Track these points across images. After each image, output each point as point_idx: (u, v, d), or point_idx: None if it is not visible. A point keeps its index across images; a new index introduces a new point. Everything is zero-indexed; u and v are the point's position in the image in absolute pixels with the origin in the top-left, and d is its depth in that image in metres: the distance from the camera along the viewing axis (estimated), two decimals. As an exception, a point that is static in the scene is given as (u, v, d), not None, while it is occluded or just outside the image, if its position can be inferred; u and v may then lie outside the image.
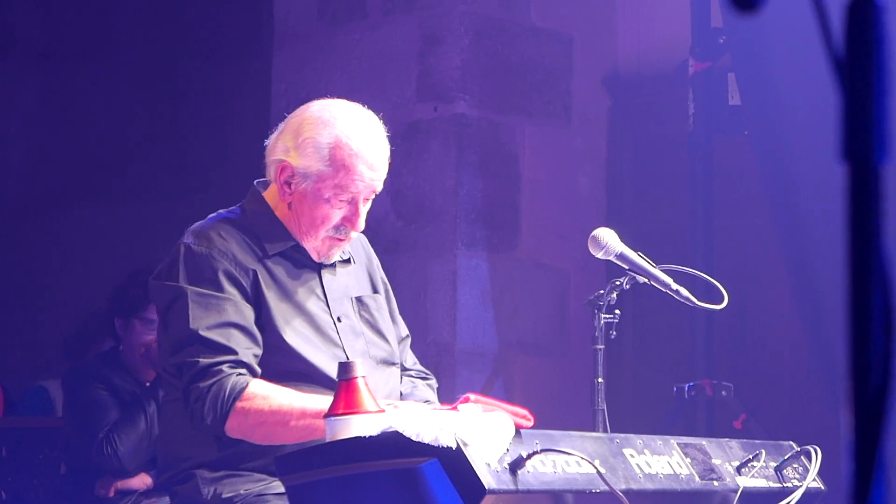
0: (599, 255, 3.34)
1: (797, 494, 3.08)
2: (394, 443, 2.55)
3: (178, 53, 7.05)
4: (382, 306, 3.34)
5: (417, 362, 3.45)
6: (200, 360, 2.96)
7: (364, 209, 3.15)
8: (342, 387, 2.68)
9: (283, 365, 3.04)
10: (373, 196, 3.17)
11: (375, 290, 3.35)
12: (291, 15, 5.99)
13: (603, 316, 3.34)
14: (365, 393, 2.67)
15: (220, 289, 3.02)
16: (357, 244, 3.36)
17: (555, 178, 5.80)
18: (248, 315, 3.03)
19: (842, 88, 1.18)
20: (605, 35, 6.01)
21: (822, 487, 3.20)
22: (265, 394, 2.92)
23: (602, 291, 3.35)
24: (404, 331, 3.41)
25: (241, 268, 3.07)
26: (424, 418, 2.59)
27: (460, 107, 5.51)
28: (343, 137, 3.10)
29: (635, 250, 3.36)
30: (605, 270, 5.23)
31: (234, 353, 2.97)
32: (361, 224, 3.15)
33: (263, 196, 3.22)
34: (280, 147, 3.17)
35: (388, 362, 3.26)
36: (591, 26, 5.96)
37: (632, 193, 5.99)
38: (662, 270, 3.34)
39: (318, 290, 3.18)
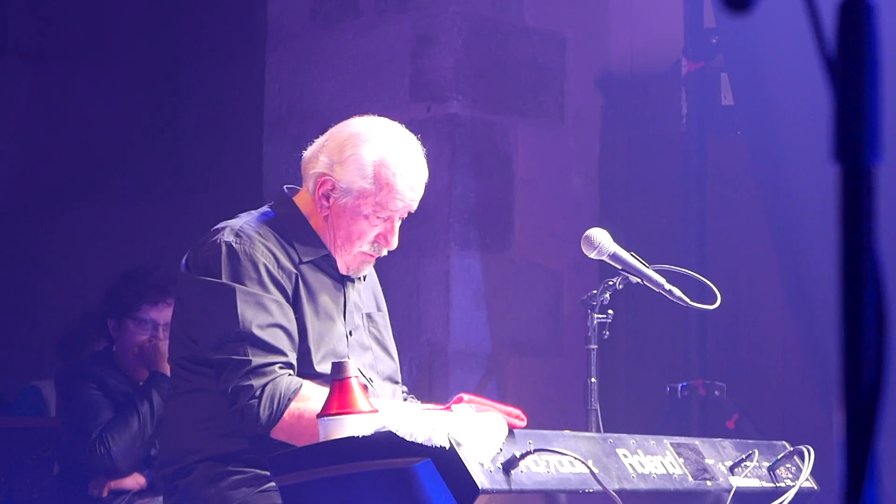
0: (592, 255, 3.35)
1: (790, 494, 3.08)
2: (387, 443, 2.55)
3: (172, 53, 7.05)
4: (387, 325, 3.39)
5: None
6: (253, 358, 2.96)
7: (398, 228, 3.19)
8: (335, 387, 2.68)
9: (305, 372, 3.06)
10: (407, 215, 3.21)
11: (379, 308, 3.40)
12: (285, 15, 5.99)
13: (596, 316, 3.34)
14: (358, 393, 2.68)
15: (266, 289, 3.04)
16: None
17: (548, 178, 5.81)
18: (291, 318, 3.05)
19: (834, 88, 1.19)
20: (598, 35, 6.01)
21: (815, 487, 3.20)
22: (321, 397, 2.90)
23: (595, 291, 3.36)
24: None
25: (283, 269, 3.09)
26: (418, 418, 2.59)
27: (453, 107, 5.51)
28: (388, 157, 3.15)
29: (628, 250, 3.36)
30: (598, 270, 5.24)
31: (284, 354, 2.99)
32: (395, 242, 3.20)
33: (295, 201, 3.23)
34: (322, 161, 3.18)
35: (393, 380, 3.30)
36: (584, 26, 5.96)
37: (625, 193, 5.99)
38: (655, 270, 3.35)
39: (340, 302, 3.21)
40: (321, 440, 2.67)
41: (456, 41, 5.56)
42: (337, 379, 2.68)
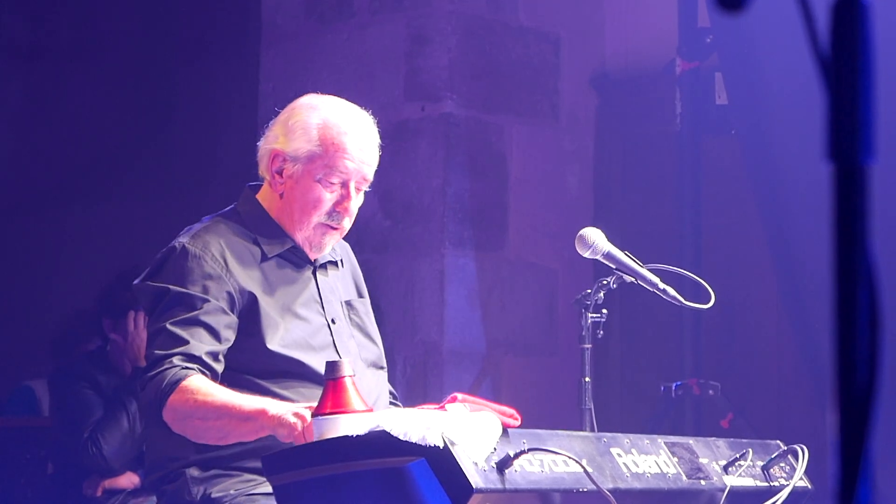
0: (587, 255, 3.35)
1: (784, 493, 3.08)
2: (381, 442, 2.55)
3: (166, 53, 7.04)
4: (369, 311, 3.37)
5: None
6: (156, 351, 2.97)
7: (356, 199, 3.16)
8: (329, 386, 2.68)
9: (281, 366, 3.05)
10: (364, 186, 3.18)
11: (360, 295, 3.38)
12: (279, 14, 5.98)
13: (590, 315, 3.34)
14: (352, 392, 2.67)
15: (205, 291, 3.03)
16: (344, 251, 3.38)
17: (542, 177, 5.81)
18: (222, 320, 3.03)
19: (828, 88, 1.19)
20: (592, 35, 6.02)
21: (809, 486, 3.20)
22: (197, 388, 2.89)
23: (589, 291, 3.36)
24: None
25: (231, 273, 3.08)
26: (412, 418, 2.59)
27: (448, 106, 5.51)
28: (332, 118, 3.15)
29: (622, 249, 3.36)
30: (592, 270, 5.24)
31: (187, 343, 2.96)
32: (354, 209, 3.16)
33: (256, 198, 3.24)
34: (270, 137, 3.21)
35: (377, 366, 3.29)
36: (579, 26, 5.96)
37: (619, 193, 5.99)
38: (650, 270, 3.35)
39: (314, 292, 3.20)
40: (315, 440, 2.67)
41: (450, 40, 5.56)
42: (331, 378, 2.68)
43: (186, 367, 2.94)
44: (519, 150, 5.74)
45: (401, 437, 2.52)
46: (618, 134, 6.01)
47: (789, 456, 3.20)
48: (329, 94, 3.30)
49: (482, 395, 3.60)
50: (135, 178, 6.98)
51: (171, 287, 3.03)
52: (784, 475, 3.17)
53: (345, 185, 3.13)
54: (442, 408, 2.85)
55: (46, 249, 7.06)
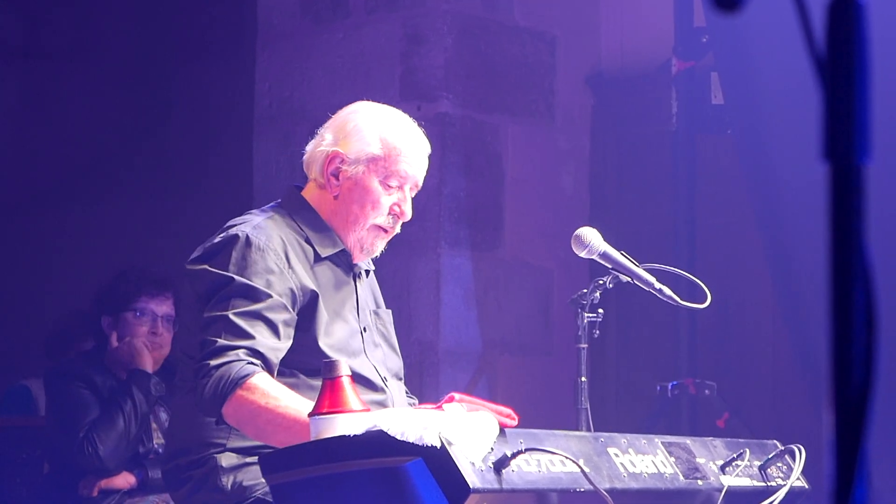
0: (583, 255, 3.35)
1: (781, 493, 3.09)
2: (378, 442, 2.55)
3: (162, 52, 7.04)
4: (391, 322, 3.41)
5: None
6: (219, 340, 2.95)
7: (410, 199, 3.22)
8: (327, 385, 2.68)
9: (317, 366, 3.05)
10: (416, 191, 3.24)
11: (379, 307, 3.42)
12: (275, 14, 5.98)
13: (586, 315, 3.34)
14: (350, 392, 2.67)
15: (268, 285, 3.03)
16: (369, 261, 3.39)
17: (538, 176, 5.81)
18: (282, 315, 3.03)
19: (823, 88, 1.19)
20: (588, 34, 6.02)
21: (806, 486, 3.21)
22: (266, 389, 2.89)
23: (585, 290, 3.36)
24: None
25: (293, 269, 3.09)
26: (409, 417, 2.59)
27: (444, 106, 5.51)
28: (391, 123, 3.22)
29: (618, 249, 3.36)
30: (588, 269, 5.24)
31: (253, 338, 2.96)
32: (409, 212, 3.22)
33: (305, 198, 3.24)
34: (326, 140, 3.22)
35: (398, 377, 3.32)
36: (575, 25, 5.96)
37: (615, 192, 5.99)
38: (646, 269, 3.35)
39: (354, 298, 3.23)
40: (312, 439, 2.67)
41: (446, 40, 5.56)
42: (328, 378, 2.68)
43: (251, 363, 2.93)
44: (515, 149, 5.74)
45: (398, 437, 2.52)
46: (614, 133, 6.01)
47: (786, 456, 3.20)
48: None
49: (478, 394, 3.60)
50: (132, 178, 6.98)
51: (235, 277, 3.01)
52: (781, 475, 3.18)
53: (401, 188, 3.20)
54: (439, 407, 2.85)
55: (44, 249, 7.06)
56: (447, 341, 5.47)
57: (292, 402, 2.89)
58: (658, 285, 3.33)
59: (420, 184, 3.25)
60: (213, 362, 2.92)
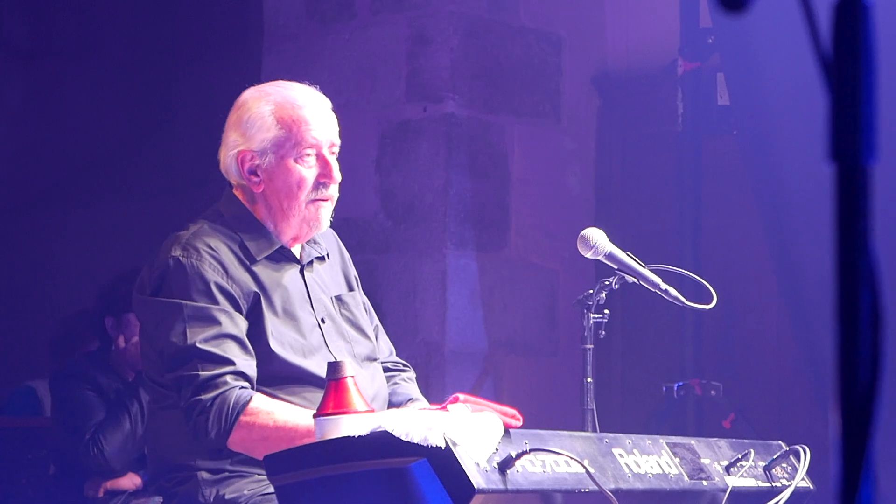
0: (588, 255, 3.34)
1: (786, 494, 3.08)
2: (383, 442, 2.55)
3: (167, 53, 7.04)
4: (359, 302, 3.35)
5: (393, 351, 3.45)
6: (201, 373, 2.93)
7: (334, 164, 3.16)
8: (331, 387, 2.68)
9: (275, 371, 3.04)
10: (336, 149, 3.17)
11: (350, 288, 3.35)
12: (280, 14, 5.99)
13: (592, 315, 3.34)
14: (354, 393, 2.67)
15: (214, 301, 3.01)
16: (330, 239, 3.36)
17: (544, 177, 5.81)
18: (241, 326, 3.02)
19: (830, 88, 1.19)
20: (594, 35, 6.02)
21: (811, 487, 3.20)
22: (269, 409, 2.90)
23: (591, 291, 3.35)
24: (375, 319, 3.42)
25: (233, 278, 3.06)
26: (414, 418, 2.59)
27: (450, 106, 5.51)
28: (281, 99, 3.15)
29: (624, 250, 3.36)
30: (594, 270, 5.24)
31: (233, 363, 2.95)
32: (337, 174, 3.16)
33: (238, 197, 3.21)
34: (229, 144, 3.19)
35: (371, 358, 3.27)
36: (580, 26, 5.96)
37: (621, 193, 5.99)
38: (651, 270, 3.34)
39: (303, 292, 3.18)
40: (317, 440, 2.67)
41: (452, 41, 5.56)
42: (333, 379, 2.68)
43: (243, 387, 2.93)
44: (520, 150, 5.74)
45: (402, 438, 2.52)
46: (619, 134, 6.01)
47: (791, 456, 3.20)
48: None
49: (483, 395, 3.59)
50: (135, 179, 6.98)
51: (183, 303, 3.00)
52: (786, 475, 3.17)
53: (319, 155, 3.13)
54: (444, 408, 2.85)
55: (47, 249, 7.06)
56: (453, 342, 5.47)
57: (293, 415, 2.90)
58: (664, 286, 3.33)
59: (336, 141, 3.17)
60: (206, 397, 2.92)
